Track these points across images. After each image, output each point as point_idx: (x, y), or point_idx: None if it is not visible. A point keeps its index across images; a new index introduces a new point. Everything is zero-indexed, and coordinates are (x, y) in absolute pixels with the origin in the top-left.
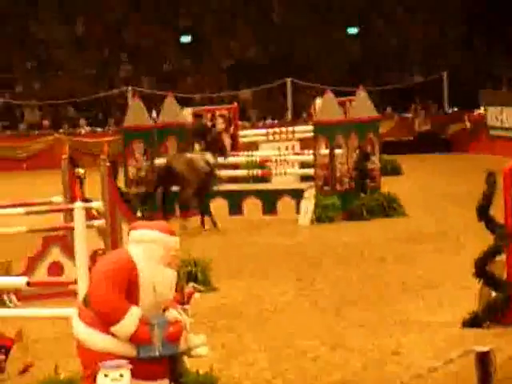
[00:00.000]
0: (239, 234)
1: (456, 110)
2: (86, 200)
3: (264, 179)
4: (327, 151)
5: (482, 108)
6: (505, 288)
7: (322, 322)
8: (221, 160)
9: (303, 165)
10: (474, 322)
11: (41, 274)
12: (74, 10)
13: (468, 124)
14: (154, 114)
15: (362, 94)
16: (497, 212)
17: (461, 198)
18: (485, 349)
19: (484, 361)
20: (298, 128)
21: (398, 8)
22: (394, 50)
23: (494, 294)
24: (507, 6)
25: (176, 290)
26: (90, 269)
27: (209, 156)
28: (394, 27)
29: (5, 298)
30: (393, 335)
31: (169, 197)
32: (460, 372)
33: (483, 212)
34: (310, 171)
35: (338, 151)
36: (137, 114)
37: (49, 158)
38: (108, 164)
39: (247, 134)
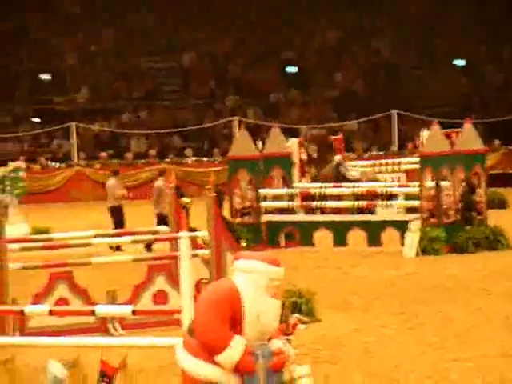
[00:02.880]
0: (344, 266)
1: None
2: (191, 229)
3: (369, 210)
4: (433, 183)
5: None
6: None
7: (425, 356)
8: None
9: (408, 196)
10: None
11: (146, 302)
12: (181, 43)
13: None
14: (260, 144)
15: (468, 126)
16: None
17: None
18: None
19: None
20: (403, 160)
21: (505, 47)
22: (501, 83)
23: None
24: None
25: (280, 321)
26: (194, 298)
27: None
28: (500, 62)
29: (109, 326)
30: (497, 370)
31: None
32: None
33: None
34: (416, 203)
35: (444, 183)
36: (243, 144)
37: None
38: (214, 193)
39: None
